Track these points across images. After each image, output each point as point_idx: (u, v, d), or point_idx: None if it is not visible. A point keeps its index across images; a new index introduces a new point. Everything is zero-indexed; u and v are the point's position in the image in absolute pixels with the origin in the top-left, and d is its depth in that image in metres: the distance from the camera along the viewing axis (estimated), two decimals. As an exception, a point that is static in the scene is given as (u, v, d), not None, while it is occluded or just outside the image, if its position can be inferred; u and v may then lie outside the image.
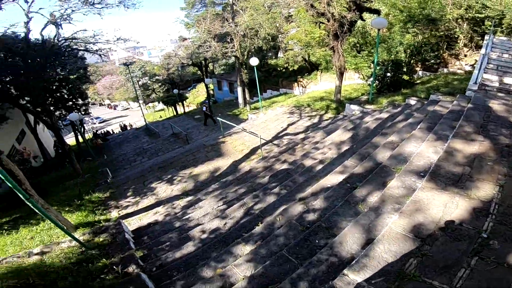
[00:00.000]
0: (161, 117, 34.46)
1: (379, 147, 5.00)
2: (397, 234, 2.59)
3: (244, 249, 3.50)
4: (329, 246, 2.88)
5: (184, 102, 34.82)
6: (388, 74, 10.31)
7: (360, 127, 7.21)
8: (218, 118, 12.59)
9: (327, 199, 3.96)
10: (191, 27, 28.68)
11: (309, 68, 23.32)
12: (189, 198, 6.71)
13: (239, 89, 20.27)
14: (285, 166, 6.58)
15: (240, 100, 20.74)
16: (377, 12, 9.97)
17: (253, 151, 9.01)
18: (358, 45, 15.79)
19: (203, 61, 25.63)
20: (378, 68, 10.27)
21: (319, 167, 5.48)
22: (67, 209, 7.06)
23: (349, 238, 2.88)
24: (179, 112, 32.49)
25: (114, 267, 3.62)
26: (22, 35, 12.02)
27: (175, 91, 30.61)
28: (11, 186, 3.25)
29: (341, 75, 10.89)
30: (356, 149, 5.65)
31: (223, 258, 3.43)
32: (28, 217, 6.93)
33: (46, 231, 6.09)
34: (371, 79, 10.36)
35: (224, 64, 37.56)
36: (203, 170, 8.43)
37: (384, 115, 7.37)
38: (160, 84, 41.63)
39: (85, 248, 4.32)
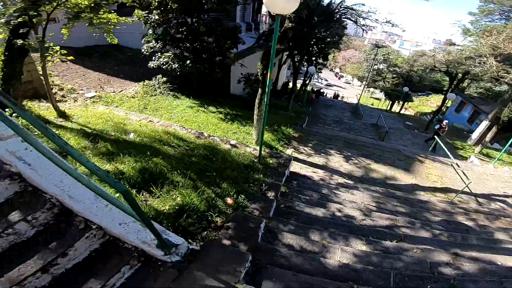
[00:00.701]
0: (372, 104, 33.63)
1: None
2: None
3: (361, 247, 3.47)
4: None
5: (406, 103, 31.54)
6: None
7: None
8: (436, 138, 10.76)
9: (490, 272, 3.13)
10: (473, 35, 23.38)
11: None
12: (350, 181, 6.86)
13: (484, 123, 15.60)
14: (469, 223, 5.18)
15: (475, 135, 16.12)
16: None
17: (444, 190, 7.43)
18: None
19: (460, 74, 21.06)
20: None
21: (512, 246, 4.02)
22: (266, 128, 8.98)
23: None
24: (392, 110, 30.20)
25: (263, 184, 4.39)
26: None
27: (406, 89, 28.01)
28: (265, 91, 4.67)
29: None
30: None
31: (336, 238, 3.54)
32: (243, 119, 9.26)
33: (245, 134, 8.09)
34: None
35: (485, 88, 29.05)
36: (380, 170, 8.05)
37: None
38: (394, 76, 39.25)
39: (258, 160, 5.33)
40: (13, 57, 5.42)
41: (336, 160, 8.20)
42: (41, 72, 7.55)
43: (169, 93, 10.70)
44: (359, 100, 24.67)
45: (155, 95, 10.37)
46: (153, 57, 10.40)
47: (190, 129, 6.87)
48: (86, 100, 8.55)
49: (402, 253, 3.47)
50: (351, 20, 17.15)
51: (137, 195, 3.20)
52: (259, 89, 6.54)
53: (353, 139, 10.43)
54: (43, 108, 6.92)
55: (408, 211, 5.36)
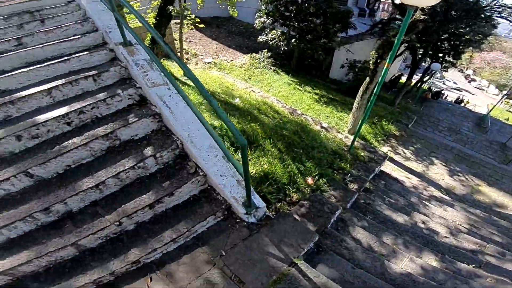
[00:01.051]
0: (507, 119, 26.52)
1: None
2: None
3: (431, 262, 3.12)
4: None
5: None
6: None
7: None
8: None
9: None
10: None
11: None
12: (447, 197, 5.97)
13: None
14: None
15: None
16: None
17: None
18: None
19: None
20: None
21: None
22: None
23: None
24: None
25: (348, 175, 4.19)
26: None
27: None
28: (374, 80, 4.41)
29: None
30: None
31: (409, 247, 3.25)
32: (339, 104, 8.90)
33: (338, 119, 7.80)
34: None
35: None
36: (491, 195, 6.65)
37: None
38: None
39: (348, 149, 5.08)
40: (162, 21, 6.68)
41: (438, 172, 7.14)
42: (174, 36, 9.07)
43: (270, 68, 11.21)
44: (489, 111, 19.68)
45: (259, 67, 11.05)
46: (262, 33, 10.92)
47: (285, 104, 7.09)
48: (205, 65, 9.90)
49: (473, 278, 3.03)
50: (508, 20, 13.48)
51: (233, 153, 3.54)
52: (367, 78, 6.15)
53: (467, 154, 8.81)
54: (173, 67, 8.40)
55: (505, 242, 4.47)
